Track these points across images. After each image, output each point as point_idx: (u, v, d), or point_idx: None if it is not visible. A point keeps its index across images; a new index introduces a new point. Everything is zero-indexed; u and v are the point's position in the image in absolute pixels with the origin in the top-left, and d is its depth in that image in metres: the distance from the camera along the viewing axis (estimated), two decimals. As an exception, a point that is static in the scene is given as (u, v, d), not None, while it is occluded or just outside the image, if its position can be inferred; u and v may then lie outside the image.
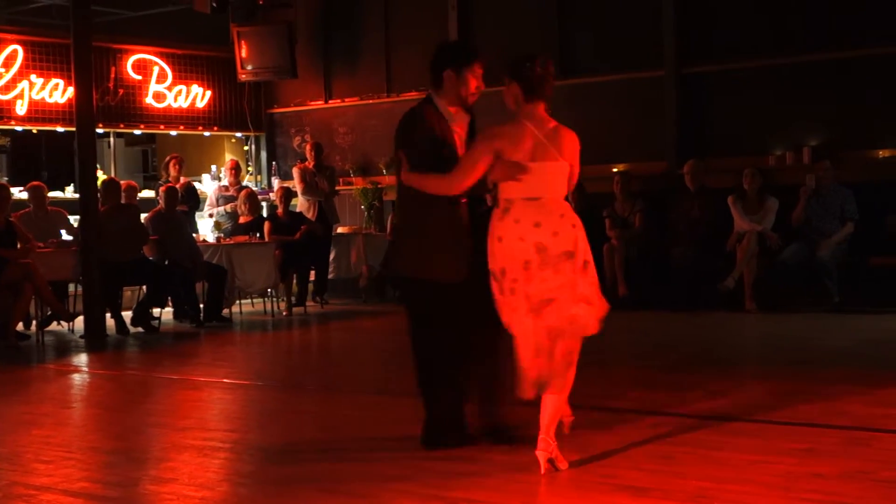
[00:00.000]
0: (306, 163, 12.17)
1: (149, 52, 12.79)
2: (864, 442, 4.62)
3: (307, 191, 11.96)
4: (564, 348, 4.33)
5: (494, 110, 4.70)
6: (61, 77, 11.74)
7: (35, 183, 10.56)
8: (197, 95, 13.23)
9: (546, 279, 4.30)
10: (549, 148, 4.39)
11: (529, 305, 4.31)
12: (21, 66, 11.60)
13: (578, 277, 4.33)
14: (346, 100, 13.42)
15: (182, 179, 11.98)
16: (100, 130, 11.81)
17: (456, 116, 4.77)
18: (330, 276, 12.19)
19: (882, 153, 10.14)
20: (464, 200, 4.68)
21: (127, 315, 10.18)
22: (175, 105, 13.03)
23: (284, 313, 11.38)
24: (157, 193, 11.26)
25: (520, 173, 4.36)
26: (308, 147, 12.37)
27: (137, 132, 13.48)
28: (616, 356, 7.48)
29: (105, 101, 12.24)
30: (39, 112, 11.80)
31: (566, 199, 4.51)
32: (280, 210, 11.72)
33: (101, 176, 11.10)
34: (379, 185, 12.79)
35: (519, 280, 4.32)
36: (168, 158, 12.18)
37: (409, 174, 4.64)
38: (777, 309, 9.68)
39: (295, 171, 12.14)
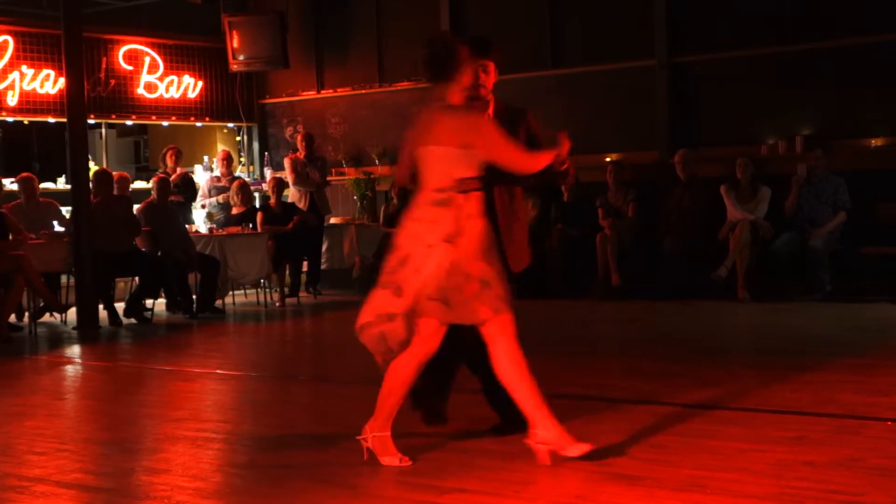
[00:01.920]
0: (297, 153, 12.16)
1: (140, 43, 12.75)
2: (855, 430, 4.64)
3: (298, 181, 11.96)
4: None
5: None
6: (52, 68, 11.69)
7: (25, 174, 10.52)
8: (188, 86, 13.20)
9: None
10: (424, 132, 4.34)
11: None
12: (12, 57, 11.55)
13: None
14: (339, 90, 13.39)
15: (179, 170, 11.97)
16: (91, 121, 11.77)
17: None
18: (323, 267, 12.20)
19: (874, 142, 10.16)
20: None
21: (119, 306, 10.17)
22: (167, 96, 13.00)
23: (277, 304, 11.38)
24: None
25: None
26: (299, 138, 12.37)
27: (129, 123, 13.45)
28: (608, 345, 7.50)
29: (96, 91, 12.20)
30: (30, 103, 11.75)
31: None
32: (273, 201, 11.71)
33: (93, 167, 11.07)
34: (372, 176, 12.77)
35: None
36: (165, 150, 12.16)
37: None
38: (769, 298, 9.70)
39: (286, 162, 12.14)
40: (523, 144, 4.53)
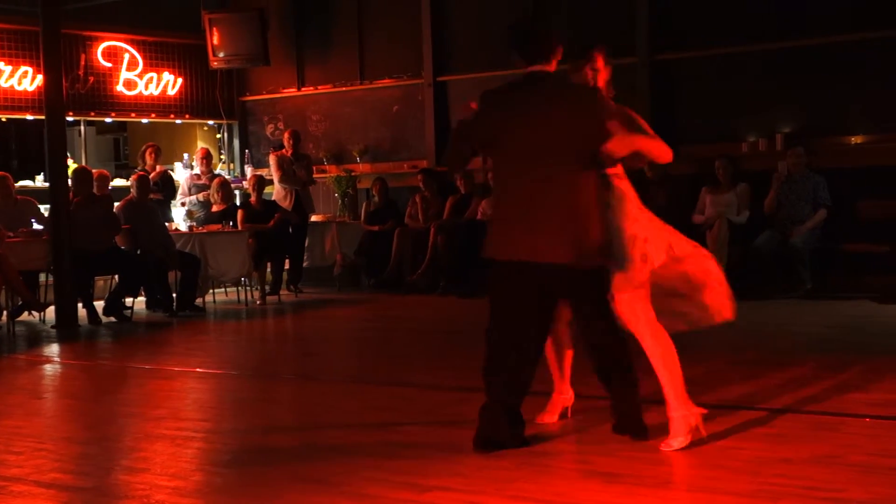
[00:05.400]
0: (283, 150, 12.11)
1: (119, 39, 12.68)
2: (833, 427, 4.66)
3: (284, 179, 11.91)
4: None
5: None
6: (30, 65, 11.62)
7: (1, 172, 10.43)
8: (168, 83, 13.14)
9: None
10: None
11: None
12: (-11, 54, 11.49)
13: None
14: (319, 87, 13.37)
15: (158, 168, 11.92)
16: (70, 118, 11.70)
17: None
18: (304, 265, 12.17)
19: (854, 139, 10.22)
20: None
21: (99, 305, 10.11)
22: (146, 93, 12.94)
23: (258, 302, 11.34)
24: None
25: None
26: (286, 135, 12.30)
27: (108, 120, 13.37)
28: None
29: (75, 88, 12.12)
30: (8, 100, 11.67)
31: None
32: (253, 198, 11.67)
33: (72, 165, 11.00)
34: (353, 173, 12.75)
35: None
36: (144, 147, 12.09)
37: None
38: (749, 296, 9.71)
39: (272, 159, 12.08)
40: None
